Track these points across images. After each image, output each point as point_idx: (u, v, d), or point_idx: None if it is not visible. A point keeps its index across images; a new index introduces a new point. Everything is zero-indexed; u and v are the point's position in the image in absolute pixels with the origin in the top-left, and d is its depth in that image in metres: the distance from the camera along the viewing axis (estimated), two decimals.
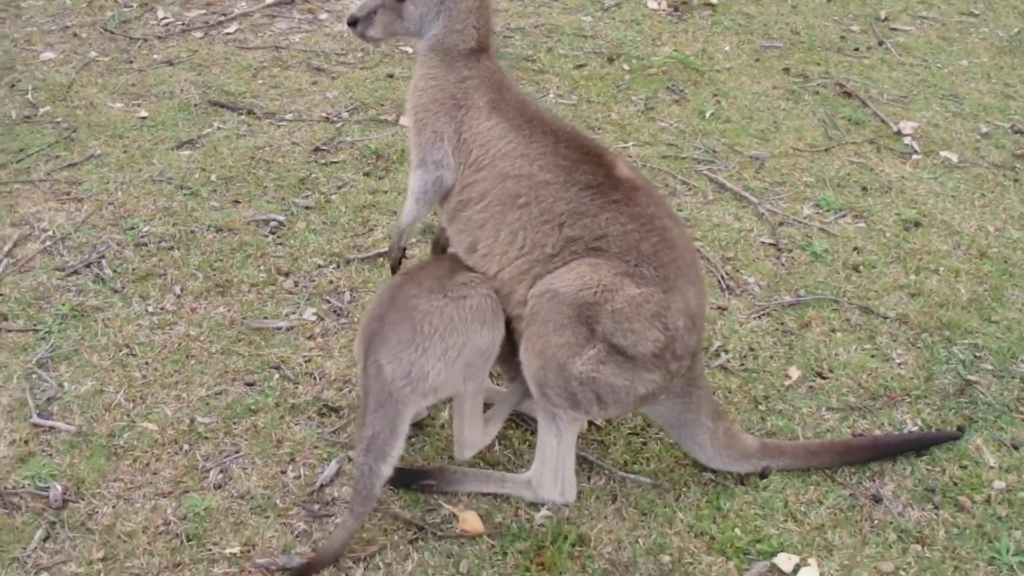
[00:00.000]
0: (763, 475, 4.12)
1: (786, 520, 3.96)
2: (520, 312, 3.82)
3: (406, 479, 3.96)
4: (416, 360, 3.68)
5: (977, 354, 4.89)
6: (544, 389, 3.76)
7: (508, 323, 3.91)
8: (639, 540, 3.84)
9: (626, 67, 7.57)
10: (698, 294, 3.88)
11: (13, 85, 6.98)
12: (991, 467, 4.24)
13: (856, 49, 8.22)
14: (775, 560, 3.78)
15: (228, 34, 7.81)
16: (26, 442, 4.15)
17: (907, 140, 6.80)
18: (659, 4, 8.67)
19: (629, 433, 4.35)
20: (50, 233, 5.39)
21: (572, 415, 3.83)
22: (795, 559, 3.79)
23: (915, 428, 4.44)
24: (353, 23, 4.04)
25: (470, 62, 4.00)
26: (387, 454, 3.69)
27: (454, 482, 4.00)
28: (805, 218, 5.85)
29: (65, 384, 4.44)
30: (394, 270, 4.28)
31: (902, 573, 3.77)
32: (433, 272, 3.90)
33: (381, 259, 5.25)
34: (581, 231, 3.76)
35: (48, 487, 3.93)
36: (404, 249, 4.29)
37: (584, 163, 3.86)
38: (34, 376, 4.47)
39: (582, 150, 3.91)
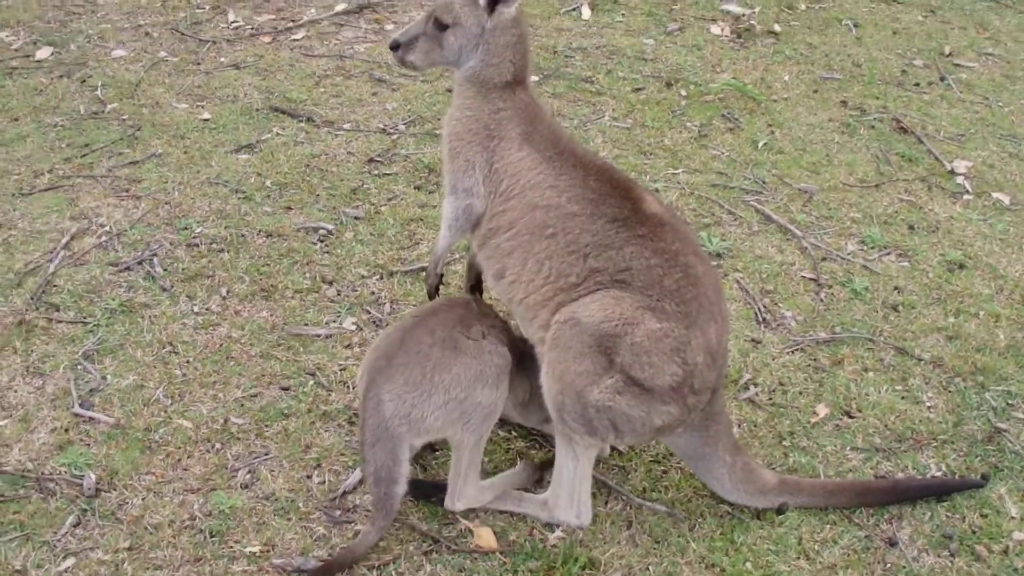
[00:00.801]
0: (780, 511, 4.15)
1: (798, 557, 3.98)
2: (542, 335, 3.90)
3: (424, 491, 4.05)
4: (418, 403, 3.78)
5: (1010, 401, 4.86)
6: (562, 413, 3.82)
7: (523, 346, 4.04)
8: (650, 568, 3.89)
9: (683, 92, 7.62)
10: (719, 331, 3.91)
11: (84, 80, 7.18)
12: (1012, 517, 4.22)
13: (916, 84, 8.20)
14: None
15: (295, 40, 7.97)
16: (66, 431, 4.31)
17: (959, 179, 6.78)
18: (722, 30, 8.71)
19: (650, 460, 4.40)
20: (107, 228, 5.56)
21: (588, 441, 3.89)
22: None
23: (939, 473, 4.43)
24: (395, 47, 4.15)
25: (505, 94, 4.10)
26: (395, 479, 3.80)
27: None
28: (849, 254, 5.86)
29: (108, 377, 4.59)
30: (431, 295, 4.39)
31: None
32: (446, 321, 3.96)
33: (423, 273, 5.34)
34: (605, 263, 3.84)
35: (83, 475, 4.08)
36: (441, 275, 4.42)
37: (612, 196, 3.93)
38: (79, 367, 4.62)
39: (611, 183, 3.98)
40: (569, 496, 4.01)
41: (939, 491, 4.31)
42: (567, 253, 3.88)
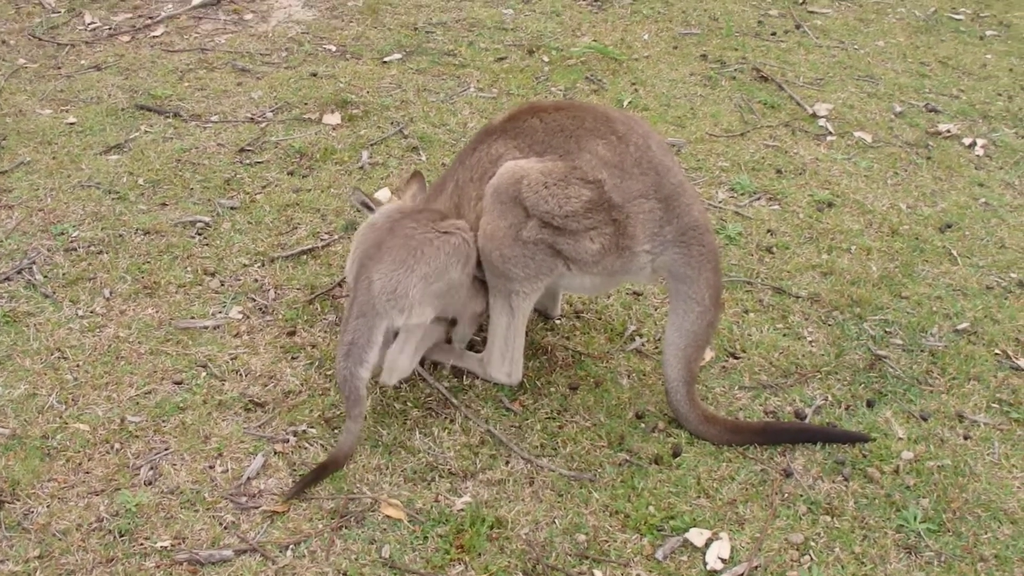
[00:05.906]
0: (675, 454, 4.26)
1: (698, 496, 4.08)
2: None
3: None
4: (403, 279, 4.15)
5: (887, 329, 5.03)
6: (502, 267, 4.30)
7: None
8: (556, 520, 3.96)
9: (546, 59, 7.73)
10: (612, 146, 4.25)
11: None
12: (900, 438, 4.37)
13: (773, 33, 8.42)
14: (687, 535, 3.90)
15: (155, 37, 7.90)
16: None
17: (822, 122, 6.99)
18: None
19: (546, 417, 4.47)
20: None
21: (532, 286, 4.34)
22: (707, 533, 3.91)
23: (823, 403, 4.57)
24: None
25: None
26: (364, 359, 4.09)
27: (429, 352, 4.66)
28: (720, 202, 5.99)
29: None
30: None
31: (812, 543, 3.89)
32: (428, 215, 4.40)
33: (304, 256, 5.40)
34: (476, 161, 4.47)
35: None
36: None
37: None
38: None
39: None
40: (501, 355, 4.49)
41: (826, 439, 4.39)
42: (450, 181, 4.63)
